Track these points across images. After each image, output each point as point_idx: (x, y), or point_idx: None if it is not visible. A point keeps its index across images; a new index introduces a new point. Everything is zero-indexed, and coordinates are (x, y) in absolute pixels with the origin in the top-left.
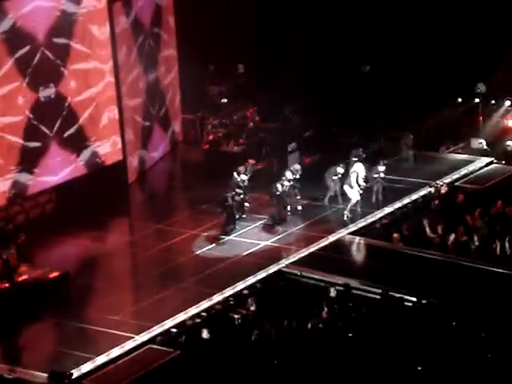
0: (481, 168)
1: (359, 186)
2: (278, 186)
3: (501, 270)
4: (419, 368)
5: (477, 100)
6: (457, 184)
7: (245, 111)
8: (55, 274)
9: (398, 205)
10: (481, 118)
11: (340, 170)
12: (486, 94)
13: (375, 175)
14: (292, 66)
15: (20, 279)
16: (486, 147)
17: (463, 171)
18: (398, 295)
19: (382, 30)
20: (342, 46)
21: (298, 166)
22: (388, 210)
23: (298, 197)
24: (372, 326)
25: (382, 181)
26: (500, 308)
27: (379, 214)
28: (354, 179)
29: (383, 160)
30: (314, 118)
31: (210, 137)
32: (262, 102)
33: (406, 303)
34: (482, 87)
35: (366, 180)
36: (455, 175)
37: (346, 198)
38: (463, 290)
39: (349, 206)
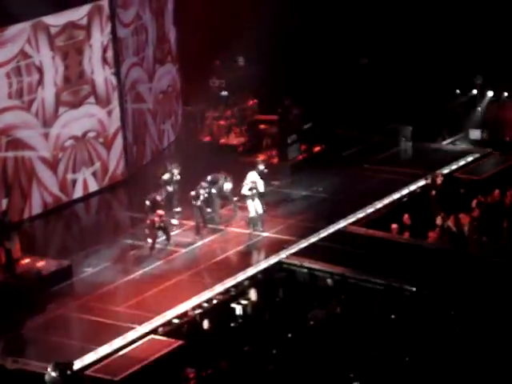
0: (479, 159)
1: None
2: (193, 193)
3: (497, 260)
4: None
5: (475, 92)
6: (455, 175)
7: (245, 104)
8: (57, 265)
9: (396, 196)
10: (478, 110)
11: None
12: (484, 86)
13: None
14: (291, 58)
15: (22, 270)
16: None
17: (461, 162)
18: (397, 285)
19: (381, 22)
20: (341, 39)
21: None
22: (387, 200)
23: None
24: (372, 316)
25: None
26: (496, 298)
27: (378, 205)
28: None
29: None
30: (314, 110)
31: (210, 129)
32: (262, 95)
33: (405, 293)
34: (479, 79)
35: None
36: (453, 166)
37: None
38: (460, 279)
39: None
